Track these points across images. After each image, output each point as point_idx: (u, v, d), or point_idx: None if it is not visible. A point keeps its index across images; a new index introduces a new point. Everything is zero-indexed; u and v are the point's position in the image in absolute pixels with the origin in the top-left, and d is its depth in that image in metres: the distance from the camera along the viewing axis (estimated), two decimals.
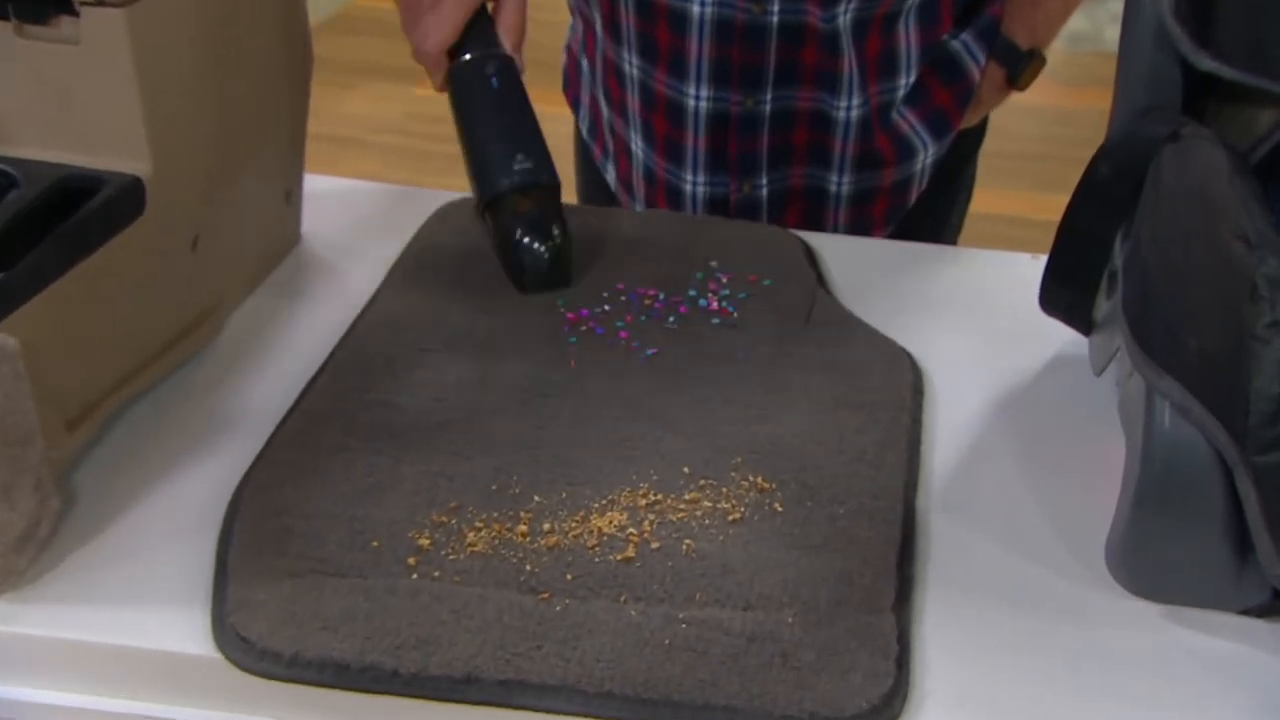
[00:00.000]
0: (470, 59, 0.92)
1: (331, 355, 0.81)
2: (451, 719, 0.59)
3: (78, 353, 0.70)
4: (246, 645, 0.60)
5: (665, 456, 0.72)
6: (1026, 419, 0.79)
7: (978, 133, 1.18)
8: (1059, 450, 0.76)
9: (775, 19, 0.99)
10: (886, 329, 0.85)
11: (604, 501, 0.69)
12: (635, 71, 1.06)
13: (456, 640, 0.60)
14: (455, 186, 1.01)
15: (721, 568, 0.65)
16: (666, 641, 0.60)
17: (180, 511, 0.69)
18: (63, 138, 0.72)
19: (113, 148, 0.72)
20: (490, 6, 0.95)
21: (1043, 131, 3.07)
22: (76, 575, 0.65)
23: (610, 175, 1.17)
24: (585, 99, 1.18)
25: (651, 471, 0.71)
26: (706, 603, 0.63)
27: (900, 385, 0.80)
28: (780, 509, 0.69)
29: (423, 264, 0.90)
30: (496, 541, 0.66)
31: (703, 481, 0.71)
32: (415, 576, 0.64)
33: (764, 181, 1.07)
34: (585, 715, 0.58)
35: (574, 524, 0.67)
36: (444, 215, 0.96)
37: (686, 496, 0.70)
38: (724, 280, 0.89)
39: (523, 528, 0.67)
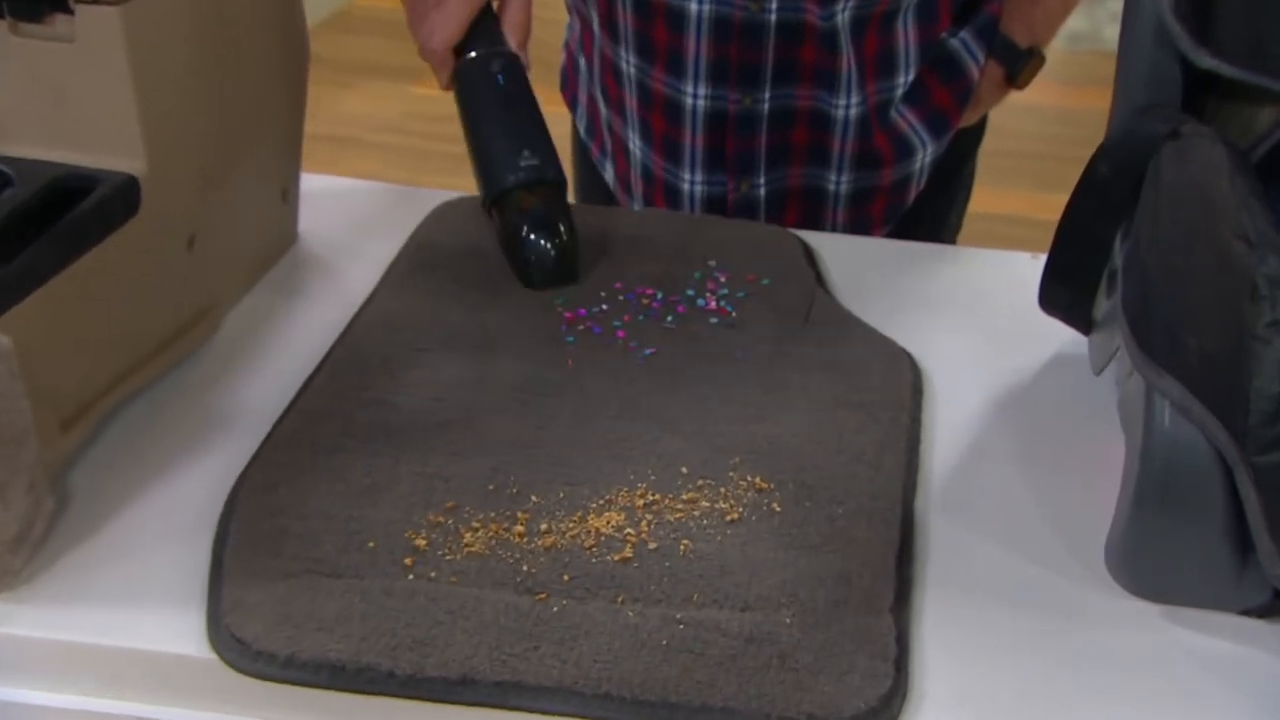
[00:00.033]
0: (476, 57, 0.92)
1: (328, 355, 0.81)
2: None
3: (72, 352, 0.69)
4: (242, 646, 0.60)
5: (663, 456, 0.72)
6: (1026, 419, 0.79)
7: (977, 132, 1.18)
8: (1058, 450, 0.76)
9: (773, 17, 0.99)
10: (885, 328, 0.85)
11: (601, 502, 0.69)
12: (633, 70, 1.06)
13: (453, 641, 0.60)
14: (455, 186, 1.00)
15: (719, 568, 0.64)
16: (664, 643, 0.60)
17: (176, 512, 0.69)
18: (57, 136, 0.72)
19: (108, 146, 0.72)
20: (496, 4, 0.95)
21: (1042, 130, 3.06)
22: (71, 576, 0.65)
23: (608, 174, 1.17)
24: (583, 98, 1.18)
25: (649, 471, 0.71)
26: (704, 603, 0.63)
27: (899, 385, 0.79)
28: (778, 509, 0.69)
29: (420, 263, 0.90)
30: (493, 542, 0.66)
31: (701, 481, 0.70)
32: (411, 577, 0.63)
33: (762, 180, 1.07)
34: (582, 717, 0.58)
35: (571, 524, 0.67)
36: (441, 214, 0.96)
37: (684, 497, 0.69)
38: (722, 279, 0.89)
39: (520, 528, 0.67)
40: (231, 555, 0.65)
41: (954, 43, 1.07)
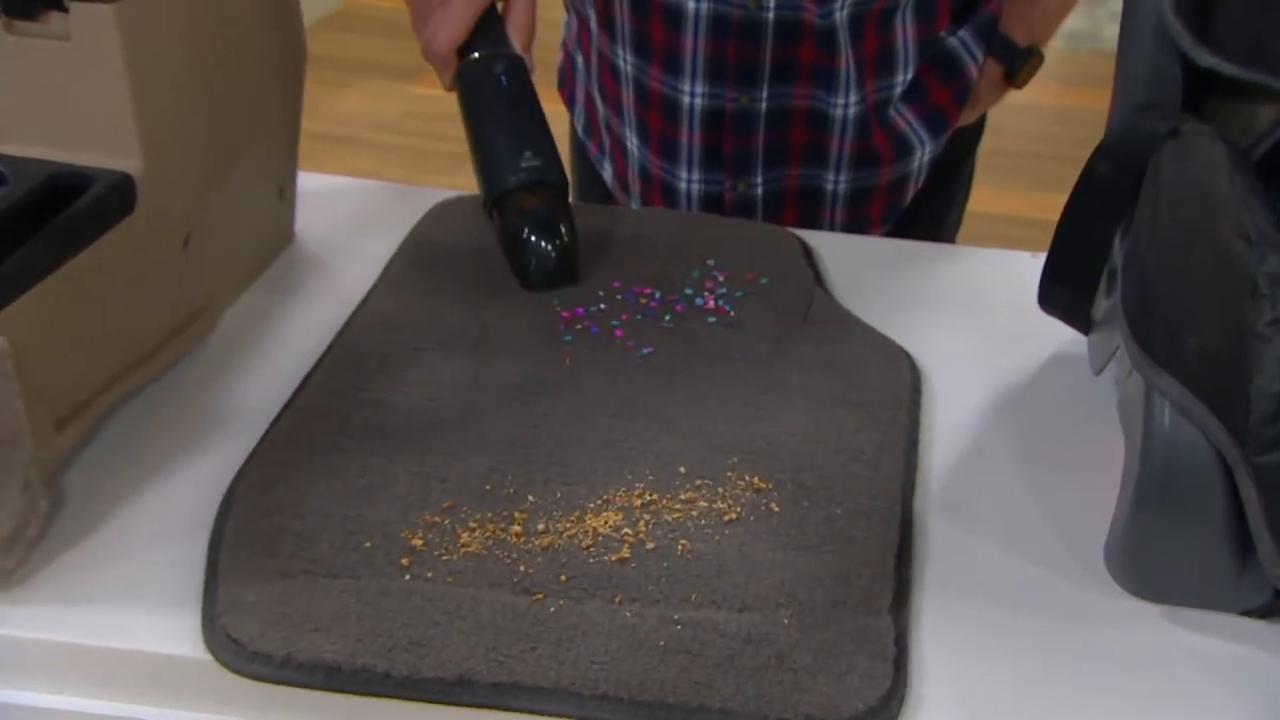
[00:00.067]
0: (479, 57, 0.92)
1: (325, 354, 0.81)
2: None
3: (67, 351, 0.69)
4: (237, 647, 0.60)
5: (661, 456, 0.72)
6: (1025, 418, 0.79)
7: (975, 131, 1.18)
8: (1058, 450, 0.76)
9: (771, 15, 0.99)
10: (884, 328, 0.85)
11: (599, 502, 0.68)
12: (630, 68, 1.05)
13: (449, 642, 0.60)
14: (453, 185, 1.00)
15: (717, 569, 0.64)
16: (661, 643, 0.60)
17: (171, 512, 0.69)
18: (52, 134, 0.72)
19: (103, 144, 0.71)
20: (500, 6, 0.95)
21: (1041, 130, 3.07)
22: (66, 576, 0.65)
23: (606, 173, 1.16)
24: (580, 96, 1.17)
25: (647, 471, 0.71)
26: (702, 604, 0.62)
27: (898, 384, 0.79)
28: (777, 509, 0.68)
29: (417, 262, 0.90)
30: (490, 542, 0.66)
31: (699, 481, 0.70)
32: (408, 577, 0.63)
33: (759, 180, 1.07)
34: (579, 718, 0.58)
35: (568, 524, 0.67)
36: (439, 213, 0.96)
37: (682, 497, 0.69)
38: (721, 279, 0.88)
39: (517, 528, 0.66)
40: (228, 554, 0.65)
41: (952, 41, 1.07)
